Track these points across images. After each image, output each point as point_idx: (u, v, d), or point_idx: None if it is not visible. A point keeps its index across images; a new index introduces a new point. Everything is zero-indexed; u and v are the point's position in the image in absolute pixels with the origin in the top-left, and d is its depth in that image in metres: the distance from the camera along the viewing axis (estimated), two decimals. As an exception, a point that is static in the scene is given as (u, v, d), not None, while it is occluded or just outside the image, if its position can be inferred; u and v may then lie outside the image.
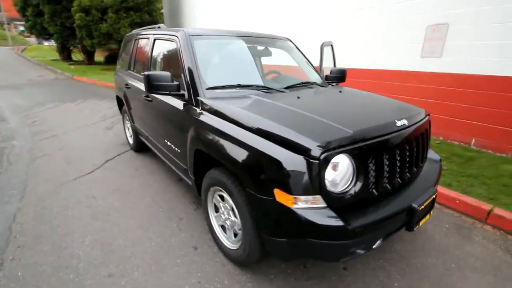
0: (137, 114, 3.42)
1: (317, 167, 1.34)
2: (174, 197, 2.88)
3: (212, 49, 2.42)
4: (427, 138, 1.94)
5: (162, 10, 13.75)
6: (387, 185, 1.59)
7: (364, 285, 1.84)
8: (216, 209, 2.09)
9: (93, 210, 2.64)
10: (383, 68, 4.71)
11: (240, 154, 1.57)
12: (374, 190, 1.53)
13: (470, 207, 2.54)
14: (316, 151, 1.34)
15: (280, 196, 1.40)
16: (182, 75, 2.20)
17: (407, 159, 1.69)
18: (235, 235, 1.93)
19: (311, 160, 1.33)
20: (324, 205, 1.39)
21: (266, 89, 2.22)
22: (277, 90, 2.23)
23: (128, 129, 4.17)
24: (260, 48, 2.81)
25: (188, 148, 2.12)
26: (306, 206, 1.38)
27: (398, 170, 1.63)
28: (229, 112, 1.74)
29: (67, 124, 5.50)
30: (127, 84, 3.46)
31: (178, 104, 2.26)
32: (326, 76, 3.03)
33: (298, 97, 2.03)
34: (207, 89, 2.09)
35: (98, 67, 15.17)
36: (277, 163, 1.38)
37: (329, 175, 1.38)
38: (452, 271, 1.96)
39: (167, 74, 2.09)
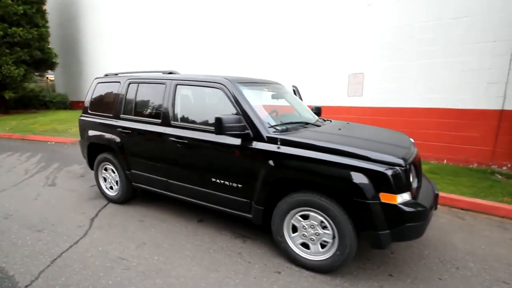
0: (141, 160, 3.19)
1: (406, 172, 1.98)
2: (214, 236, 2.85)
3: (253, 93, 2.77)
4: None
5: (50, 46, 12.06)
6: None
7: (409, 257, 2.51)
8: (293, 230, 2.37)
9: (138, 270, 2.33)
10: (324, 105, 6.00)
11: (346, 174, 2.01)
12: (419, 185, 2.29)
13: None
14: (403, 163, 1.98)
15: (385, 197, 1.94)
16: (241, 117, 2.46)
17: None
18: (322, 246, 2.26)
19: (403, 169, 1.96)
20: (410, 198, 2.02)
21: (307, 124, 2.76)
22: (314, 125, 2.81)
23: (105, 179, 3.68)
24: (276, 92, 3.33)
25: (262, 180, 2.35)
26: (404, 201, 1.97)
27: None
28: (321, 144, 2.17)
29: (-19, 187, 4.16)
30: (126, 130, 3.21)
31: (235, 141, 2.48)
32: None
33: (339, 129, 2.67)
34: (269, 127, 2.44)
35: (-47, 113, 11.39)
36: (382, 174, 1.93)
37: (411, 177, 2.05)
38: (444, 235, 2.90)
39: (237, 117, 2.35)
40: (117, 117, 3.37)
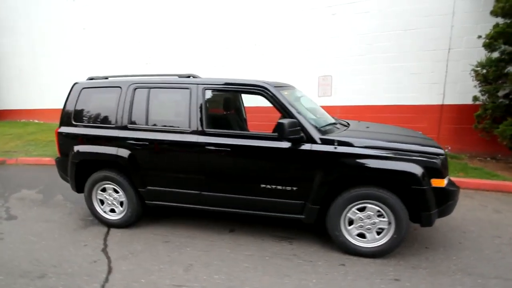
0: (165, 174, 2.84)
1: (446, 160, 2.39)
2: (258, 244, 2.78)
3: (291, 97, 2.82)
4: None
5: None
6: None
7: (427, 230, 2.99)
8: (349, 223, 2.54)
9: (209, 294, 2.13)
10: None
11: (405, 167, 2.28)
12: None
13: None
14: (443, 152, 2.40)
15: (436, 182, 2.31)
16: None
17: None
18: (378, 233, 2.50)
19: (444, 157, 2.37)
20: (448, 181, 2.45)
21: (335, 125, 2.97)
22: (343, 125, 3.03)
23: (103, 202, 3.13)
24: (295, 95, 3.39)
25: (320, 180, 2.44)
26: (447, 183, 2.38)
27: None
28: (375, 143, 2.40)
29: None
30: (141, 141, 2.80)
31: (286, 145, 2.49)
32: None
33: (367, 127, 2.97)
34: (317, 130, 2.55)
35: None
36: (434, 164, 2.29)
37: (446, 164, 2.48)
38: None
39: (294, 121, 2.40)
40: (122, 127, 2.90)
